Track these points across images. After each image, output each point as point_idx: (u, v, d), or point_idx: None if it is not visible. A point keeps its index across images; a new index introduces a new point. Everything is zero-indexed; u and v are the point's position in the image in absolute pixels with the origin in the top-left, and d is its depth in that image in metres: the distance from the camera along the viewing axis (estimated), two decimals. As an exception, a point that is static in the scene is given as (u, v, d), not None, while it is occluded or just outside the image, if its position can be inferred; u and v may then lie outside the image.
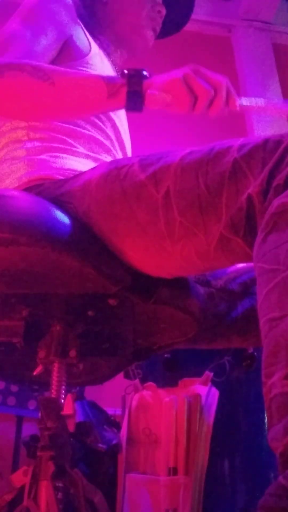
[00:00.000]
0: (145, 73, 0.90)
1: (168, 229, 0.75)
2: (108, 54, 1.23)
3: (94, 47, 1.15)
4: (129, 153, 1.21)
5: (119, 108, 0.93)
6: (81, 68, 1.09)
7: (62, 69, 0.95)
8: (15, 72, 0.91)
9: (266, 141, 0.69)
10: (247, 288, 1.01)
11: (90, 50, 1.13)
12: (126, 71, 0.90)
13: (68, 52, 1.09)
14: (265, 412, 0.59)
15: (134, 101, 0.89)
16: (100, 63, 1.14)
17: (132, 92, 0.88)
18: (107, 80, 0.91)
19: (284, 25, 3.42)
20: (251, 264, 1.05)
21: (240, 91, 3.25)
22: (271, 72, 3.24)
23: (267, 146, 0.68)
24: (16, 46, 0.99)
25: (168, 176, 0.75)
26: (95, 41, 1.19)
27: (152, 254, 0.79)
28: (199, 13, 3.26)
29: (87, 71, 1.09)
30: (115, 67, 1.24)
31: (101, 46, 1.20)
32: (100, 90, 0.90)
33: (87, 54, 1.11)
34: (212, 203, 0.71)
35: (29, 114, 0.98)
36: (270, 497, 0.53)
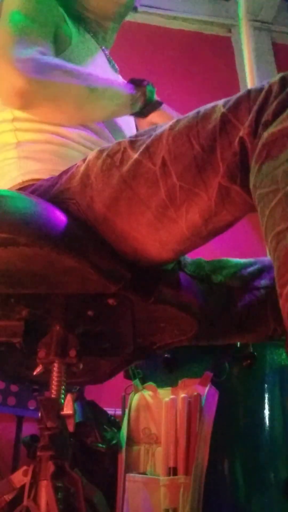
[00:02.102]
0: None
1: (169, 196, 0.76)
2: (95, 35, 1.22)
3: (76, 35, 1.14)
4: None
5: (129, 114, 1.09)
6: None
7: (94, 73, 1.01)
8: (59, 73, 0.94)
9: (249, 91, 0.71)
10: (247, 283, 1.02)
11: (72, 39, 1.11)
12: (144, 81, 1.06)
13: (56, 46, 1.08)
14: (285, 326, 0.59)
15: (149, 110, 1.11)
16: (85, 50, 1.14)
17: (154, 103, 1.10)
18: (129, 88, 1.05)
19: (284, 25, 3.42)
20: (251, 259, 1.06)
21: (240, 91, 3.25)
22: (271, 72, 3.24)
23: (250, 94, 0.70)
24: (36, 41, 0.98)
25: (161, 147, 0.76)
26: (80, 24, 1.18)
27: (156, 228, 0.79)
28: (199, 13, 3.27)
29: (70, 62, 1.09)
30: (102, 47, 1.24)
31: (85, 28, 1.20)
32: (126, 98, 1.04)
33: (69, 45, 1.10)
34: (208, 160, 0.72)
35: (66, 117, 1.02)
36: None
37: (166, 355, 1.53)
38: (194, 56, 3.21)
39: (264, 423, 1.43)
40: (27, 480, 0.82)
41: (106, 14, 1.22)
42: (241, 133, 0.69)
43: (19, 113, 1.04)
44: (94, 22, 1.23)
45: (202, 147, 0.73)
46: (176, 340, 0.98)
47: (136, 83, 1.08)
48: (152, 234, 0.81)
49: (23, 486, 0.82)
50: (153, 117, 1.18)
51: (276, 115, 0.66)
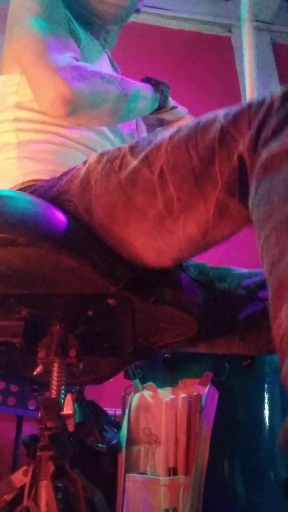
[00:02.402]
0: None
1: (167, 207, 0.76)
2: (97, 37, 1.22)
3: (83, 36, 1.14)
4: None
5: None
6: None
7: (123, 77, 1.06)
8: (98, 80, 0.97)
9: (250, 104, 0.70)
10: (251, 292, 1.01)
11: (81, 41, 1.11)
12: (161, 84, 1.14)
13: None
14: (277, 354, 0.58)
15: (163, 111, 1.18)
16: (91, 52, 1.14)
17: (171, 108, 1.19)
18: (150, 90, 1.12)
19: (284, 25, 3.42)
20: (257, 270, 1.05)
21: (240, 91, 3.26)
22: (271, 72, 3.24)
23: (251, 108, 0.70)
24: (66, 47, 1.00)
25: (160, 156, 0.76)
26: (83, 26, 1.18)
27: (153, 238, 0.79)
28: (199, 13, 3.27)
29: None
30: (105, 49, 1.24)
31: (88, 30, 1.19)
32: (150, 99, 1.11)
33: (80, 46, 1.09)
34: (206, 172, 0.72)
35: (104, 121, 1.07)
36: None
37: (166, 355, 1.53)
38: (194, 56, 3.21)
39: (264, 423, 1.43)
40: (27, 480, 0.82)
41: (108, 17, 1.22)
42: (240, 148, 0.68)
43: (20, 113, 1.04)
44: (96, 24, 1.22)
45: (200, 159, 0.72)
46: (176, 340, 0.98)
47: (153, 84, 1.13)
48: (150, 243, 0.81)
49: (23, 486, 0.82)
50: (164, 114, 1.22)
51: (275, 132, 0.65)
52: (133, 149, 0.80)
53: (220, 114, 0.73)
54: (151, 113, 1.18)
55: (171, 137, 0.76)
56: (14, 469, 1.89)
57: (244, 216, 0.72)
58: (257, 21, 3.32)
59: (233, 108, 0.72)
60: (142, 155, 0.78)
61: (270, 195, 0.63)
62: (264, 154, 0.65)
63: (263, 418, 1.44)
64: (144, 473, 1.46)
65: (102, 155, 0.84)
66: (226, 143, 0.70)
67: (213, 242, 0.80)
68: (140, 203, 0.77)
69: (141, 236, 0.80)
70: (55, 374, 0.90)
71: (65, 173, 0.90)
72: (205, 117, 0.75)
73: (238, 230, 0.78)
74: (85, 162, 0.87)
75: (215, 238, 0.79)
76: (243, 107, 0.71)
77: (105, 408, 1.81)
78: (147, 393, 1.55)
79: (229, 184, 0.70)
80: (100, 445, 1.58)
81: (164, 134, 0.78)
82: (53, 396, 0.89)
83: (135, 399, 1.57)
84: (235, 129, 0.70)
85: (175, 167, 0.74)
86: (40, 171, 0.98)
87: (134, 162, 0.78)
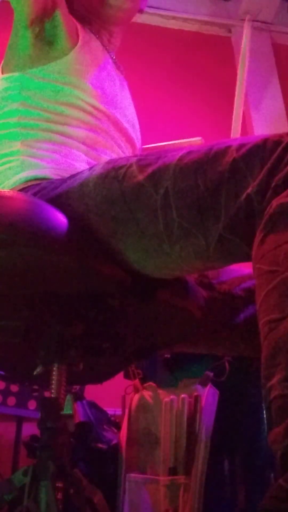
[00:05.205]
0: None
1: (167, 230, 0.75)
2: (100, 37, 1.21)
3: (83, 34, 1.13)
4: (138, 145, 1.21)
5: None
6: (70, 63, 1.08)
7: None
8: None
9: (265, 140, 0.68)
10: (251, 294, 1.00)
11: (79, 37, 1.10)
12: None
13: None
14: (265, 413, 0.59)
15: None
16: (91, 50, 1.13)
17: None
18: None
19: (284, 25, 3.42)
20: None
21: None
22: (271, 72, 3.24)
23: (266, 145, 0.68)
24: None
25: (167, 176, 0.74)
26: (89, 27, 1.17)
27: (151, 255, 0.79)
28: (199, 13, 3.27)
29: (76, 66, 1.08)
30: (108, 49, 1.23)
31: (90, 30, 1.18)
32: None
33: (76, 42, 1.09)
34: (211, 204, 0.70)
35: None
36: (270, 499, 0.52)
37: (166, 355, 1.53)
38: (194, 56, 3.21)
39: (264, 423, 1.43)
40: (27, 480, 0.82)
41: (109, 18, 1.22)
42: (249, 190, 0.67)
43: (24, 112, 1.04)
44: (98, 25, 1.22)
45: (207, 189, 0.70)
46: (176, 340, 0.98)
47: None
48: (147, 259, 0.80)
49: (23, 486, 0.82)
50: None
51: (287, 181, 0.64)
52: (140, 161, 0.79)
53: (234, 144, 0.70)
54: None
55: (181, 159, 0.74)
56: (14, 469, 1.89)
57: (246, 253, 0.71)
58: (257, 21, 3.32)
59: (248, 141, 0.70)
60: (149, 170, 0.76)
61: (275, 252, 0.61)
62: (274, 204, 0.63)
63: (263, 418, 1.43)
64: (144, 473, 1.46)
65: (108, 163, 0.84)
66: (236, 179, 0.68)
67: (212, 268, 0.79)
68: (140, 220, 0.76)
69: (139, 252, 0.79)
70: (55, 374, 0.90)
71: (70, 177, 0.89)
72: (218, 144, 0.72)
73: (238, 263, 0.78)
74: (91, 168, 0.86)
75: (214, 266, 0.78)
76: (258, 142, 0.69)
77: (105, 408, 1.81)
78: (147, 393, 1.55)
79: (234, 223, 0.69)
80: (100, 445, 1.58)
81: (173, 153, 0.76)
82: (53, 396, 0.89)
83: (135, 399, 1.57)
84: (246, 166, 0.68)
85: (180, 191, 0.73)
86: (43, 170, 0.97)
87: (139, 176, 0.77)
